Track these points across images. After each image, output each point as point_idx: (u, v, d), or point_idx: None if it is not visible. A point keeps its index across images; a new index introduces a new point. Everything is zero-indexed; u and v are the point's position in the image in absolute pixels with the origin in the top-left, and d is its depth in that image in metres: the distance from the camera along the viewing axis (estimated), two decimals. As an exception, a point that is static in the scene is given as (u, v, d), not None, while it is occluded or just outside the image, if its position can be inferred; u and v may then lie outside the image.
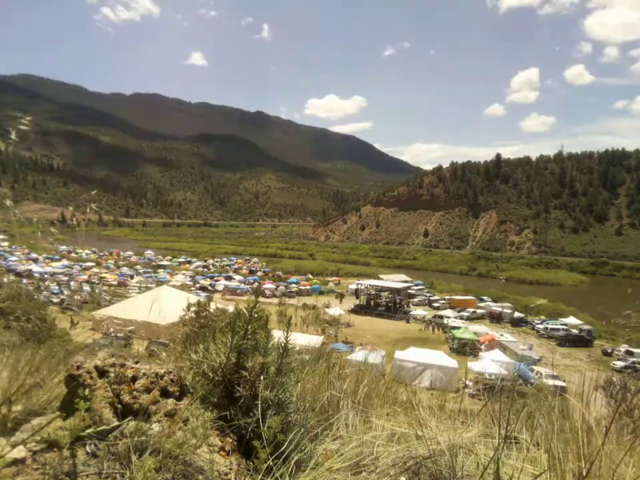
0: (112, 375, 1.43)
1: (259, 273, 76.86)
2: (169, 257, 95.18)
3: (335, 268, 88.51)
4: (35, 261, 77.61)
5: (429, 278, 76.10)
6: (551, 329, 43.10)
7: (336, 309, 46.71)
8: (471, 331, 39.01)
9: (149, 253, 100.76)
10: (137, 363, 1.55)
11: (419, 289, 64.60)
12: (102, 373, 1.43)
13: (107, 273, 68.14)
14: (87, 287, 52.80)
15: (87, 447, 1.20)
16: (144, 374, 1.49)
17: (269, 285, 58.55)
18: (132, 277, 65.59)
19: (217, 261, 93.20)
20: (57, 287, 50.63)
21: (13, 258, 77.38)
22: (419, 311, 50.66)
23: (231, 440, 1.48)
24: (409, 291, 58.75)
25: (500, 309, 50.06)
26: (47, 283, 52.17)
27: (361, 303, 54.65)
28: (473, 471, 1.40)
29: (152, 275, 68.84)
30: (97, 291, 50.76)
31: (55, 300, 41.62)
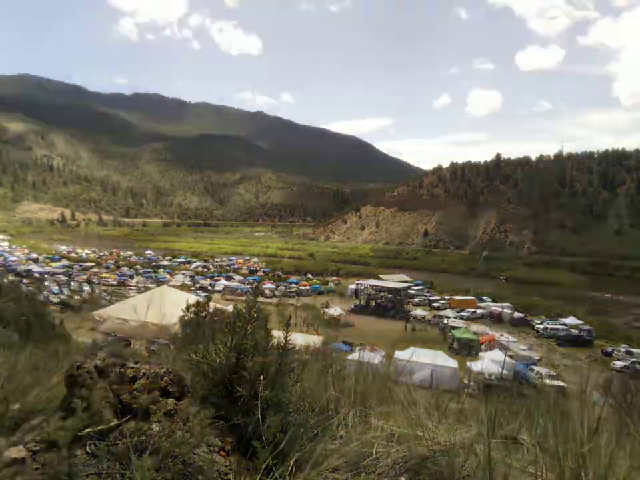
0: (112, 375, 1.43)
1: (259, 273, 76.86)
2: (168, 257, 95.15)
3: (334, 268, 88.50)
4: (35, 261, 77.56)
5: (428, 278, 76.09)
6: (551, 329, 43.10)
7: (336, 309, 46.71)
8: (471, 331, 39.01)
9: (149, 253, 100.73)
10: (136, 363, 1.55)
11: (419, 289, 64.59)
12: (102, 373, 1.43)
13: (106, 273, 68.13)
14: (86, 287, 52.79)
15: (87, 447, 1.21)
16: (144, 374, 1.49)
17: (268, 285, 58.55)
18: (132, 277, 65.58)
19: (216, 261, 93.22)
20: (56, 287, 50.64)
21: (13, 258, 77.40)
22: (418, 311, 50.69)
23: (230, 440, 1.48)
24: (409, 290, 58.75)
25: (500, 309, 50.06)
26: (46, 283, 52.16)
27: (361, 303, 54.64)
28: (473, 471, 1.40)
29: (152, 274, 68.84)
30: (96, 291, 50.76)
31: (55, 300, 41.62)
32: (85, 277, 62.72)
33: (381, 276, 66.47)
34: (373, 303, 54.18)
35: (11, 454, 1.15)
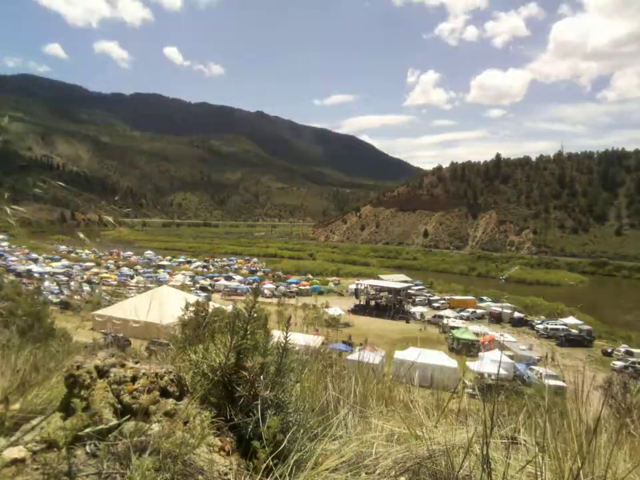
0: (112, 375, 1.43)
1: (259, 273, 76.86)
2: (168, 257, 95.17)
3: (334, 268, 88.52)
4: (35, 261, 77.55)
5: (428, 278, 76.11)
6: (551, 329, 43.12)
7: (336, 309, 46.73)
8: (471, 331, 39.01)
9: (149, 253, 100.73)
10: (136, 363, 1.55)
11: (419, 289, 64.62)
12: (102, 373, 1.43)
13: (106, 273, 68.14)
14: (86, 287, 52.78)
15: (87, 447, 1.21)
16: (144, 374, 1.49)
17: (268, 285, 58.56)
18: (132, 277, 65.59)
19: (216, 261, 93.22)
20: (56, 287, 50.62)
21: (13, 258, 77.40)
22: (418, 308, 50.72)
23: (230, 440, 1.49)
24: (409, 290, 58.76)
25: (500, 309, 50.07)
26: (46, 283, 52.14)
27: (361, 302, 54.66)
28: (473, 471, 1.40)
29: (152, 274, 68.84)
30: (96, 291, 50.75)
31: (55, 300, 41.60)
32: (84, 276, 62.71)
33: (380, 276, 66.50)
34: (372, 302, 54.19)
35: (11, 454, 1.15)
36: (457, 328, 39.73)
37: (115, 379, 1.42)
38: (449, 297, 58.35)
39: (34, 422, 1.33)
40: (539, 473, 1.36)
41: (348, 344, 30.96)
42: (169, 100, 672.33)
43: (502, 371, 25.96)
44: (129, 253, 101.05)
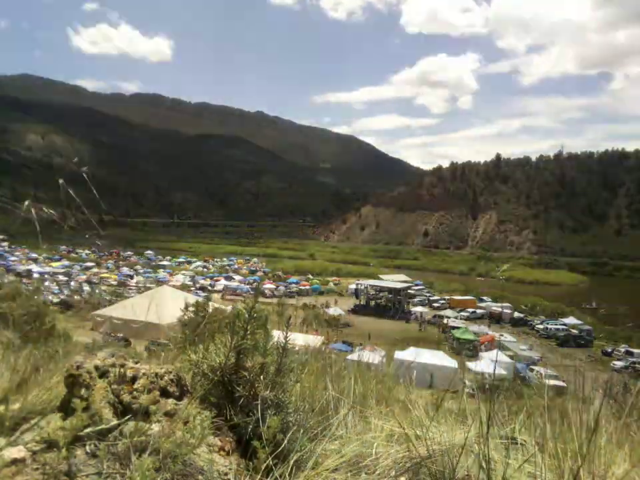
0: (112, 375, 1.43)
1: (259, 273, 76.86)
2: (168, 257, 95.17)
3: (334, 268, 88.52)
4: (35, 260, 77.55)
5: (428, 278, 76.12)
6: (551, 329, 43.12)
7: (335, 309, 46.72)
8: (471, 331, 39.02)
9: (149, 253, 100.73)
10: (136, 363, 1.55)
11: (419, 289, 64.63)
12: (102, 373, 1.43)
13: (106, 273, 68.12)
14: (86, 287, 52.77)
15: (87, 447, 1.21)
16: (144, 374, 1.49)
17: (268, 285, 58.55)
18: (132, 277, 65.58)
19: (216, 261, 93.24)
20: (56, 287, 50.61)
21: (13, 258, 77.39)
22: (418, 308, 50.71)
23: (230, 440, 1.49)
24: (409, 290, 58.78)
25: (500, 309, 50.07)
26: (46, 283, 52.12)
27: (361, 303, 54.67)
28: (473, 472, 1.40)
29: (152, 274, 68.84)
30: (96, 291, 50.74)
31: (55, 300, 41.58)
32: (84, 277, 62.69)
33: (380, 276, 66.51)
34: (372, 302, 54.21)
35: (11, 454, 1.15)
36: (457, 328, 39.74)
37: (115, 379, 1.42)
38: (448, 297, 58.35)
39: (34, 422, 1.33)
40: (538, 473, 1.36)
41: (348, 344, 30.95)
42: (169, 100, 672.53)
43: (502, 371, 25.96)
44: (129, 252, 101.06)
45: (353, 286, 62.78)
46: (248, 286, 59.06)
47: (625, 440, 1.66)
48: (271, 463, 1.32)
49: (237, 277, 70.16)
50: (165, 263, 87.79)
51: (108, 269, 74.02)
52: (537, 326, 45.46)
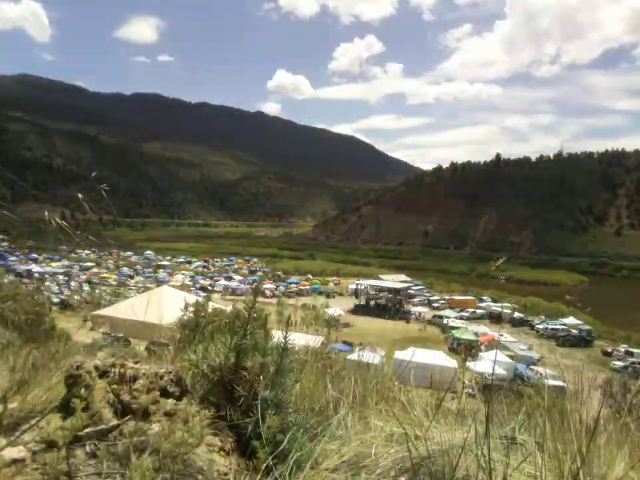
0: (112, 375, 1.43)
1: (259, 273, 76.86)
2: (168, 257, 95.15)
3: (334, 268, 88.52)
4: (35, 260, 77.54)
5: (428, 278, 76.11)
6: (551, 329, 43.10)
7: (335, 309, 46.71)
8: (471, 331, 39.01)
9: (149, 253, 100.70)
10: (136, 363, 1.55)
11: (419, 289, 64.62)
12: (102, 372, 1.44)
13: (106, 273, 68.11)
14: (86, 287, 52.75)
15: (87, 447, 1.21)
16: (144, 374, 1.49)
17: (268, 285, 58.54)
18: (132, 277, 65.58)
19: (216, 261, 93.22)
20: (56, 287, 50.60)
21: (13, 258, 77.40)
22: (418, 308, 50.70)
23: (230, 440, 1.49)
24: (409, 291, 58.77)
25: (500, 309, 50.06)
26: (46, 283, 52.11)
27: (361, 302, 54.66)
28: (473, 471, 1.40)
29: (152, 274, 68.83)
30: (96, 290, 50.72)
31: (55, 300, 41.56)
32: (84, 276, 62.67)
33: (380, 276, 66.50)
34: (372, 302, 54.21)
35: (11, 454, 1.15)
36: (457, 328, 39.72)
37: (115, 379, 1.42)
38: (448, 297, 58.34)
39: (34, 422, 1.33)
40: (538, 474, 1.36)
41: (348, 344, 30.94)
42: (169, 100, 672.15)
43: (501, 371, 25.96)
44: (129, 252, 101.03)
45: (353, 286, 62.78)
46: (248, 286, 59.07)
47: (625, 440, 1.66)
48: (270, 462, 1.33)
49: (237, 277, 70.17)
50: (164, 262, 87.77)
51: (108, 269, 74.02)
52: (536, 326, 45.44)
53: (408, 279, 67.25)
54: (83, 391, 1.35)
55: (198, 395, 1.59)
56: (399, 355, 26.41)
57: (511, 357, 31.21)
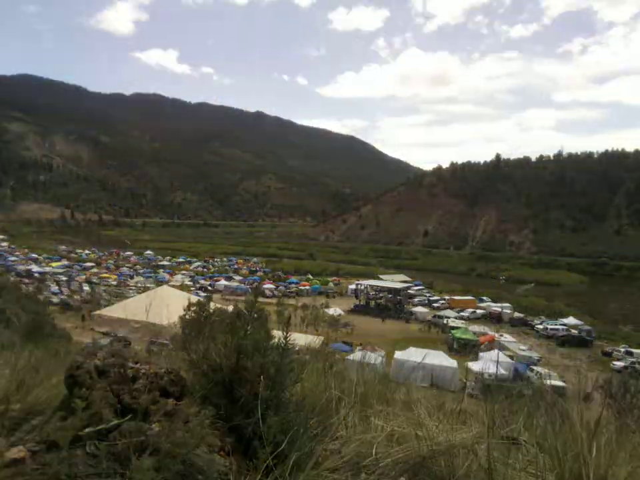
0: (112, 375, 1.43)
1: (259, 273, 76.88)
2: (168, 257, 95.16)
3: (334, 268, 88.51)
4: (35, 261, 77.57)
5: (428, 278, 76.12)
6: (551, 329, 43.09)
7: (335, 309, 46.73)
8: (471, 331, 39.01)
9: (149, 253, 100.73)
10: (136, 363, 1.55)
11: (419, 289, 64.63)
12: (102, 373, 1.43)
13: (106, 273, 68.13)
14: (86, 287, 52.78)
15: (87, 447, 1.21)
16: (144, 374, 1.49)
17: (268, 285, 58.56)
18: (132, 277, 65.60)
19: (216, 261, 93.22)
20: (56, 287, 50.63)
21: (13, 258, 77.45)
22: (418, 308, 50.69)
23: (230, 440, 1.49)
24: (409, 291, 58.77)
25: (500, 309, 50.07)
26: (46, 283, 52.15)
27: (361, 303, 54.67)
28: (473, 472, 1.40)
29: (152, 274, 68.85)
30: (96, 290, 50.75)
31: (55, 300, 41.59)
32: (84, 277, 62.70)
33: (380, 276, 66.50)
34: (372, 302, 54.21)
35: (11, 454, 1.15)
36: (457, 328, 39.73)
37: (115, 379, 1.42)
38: (448, 297, 58.34)
39: (34, 422, 1.33)
40: (539, 474, 1.36)
41: (348, 344, 30.96)
42: (169, 100, 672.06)
43: (502, 371, 25.96)
44: (129, 252, 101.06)
45: (353, 286, 62.79)
46: (248, 286, 59.08)
47: (626, 440, 1.66)
48: (271, 462, 1.32)
49: (237, 277, 70.19)
50: (164, 263, 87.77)
51: (108, 269, 74.04)
52: (536, 326, 45.42)
53: (408, 278, 67.26)
54: (83, 391, 1.35)
55: (198, 395, 1.58)
56: (399, 354, 26.50)
57: (510, 357, 31.22)
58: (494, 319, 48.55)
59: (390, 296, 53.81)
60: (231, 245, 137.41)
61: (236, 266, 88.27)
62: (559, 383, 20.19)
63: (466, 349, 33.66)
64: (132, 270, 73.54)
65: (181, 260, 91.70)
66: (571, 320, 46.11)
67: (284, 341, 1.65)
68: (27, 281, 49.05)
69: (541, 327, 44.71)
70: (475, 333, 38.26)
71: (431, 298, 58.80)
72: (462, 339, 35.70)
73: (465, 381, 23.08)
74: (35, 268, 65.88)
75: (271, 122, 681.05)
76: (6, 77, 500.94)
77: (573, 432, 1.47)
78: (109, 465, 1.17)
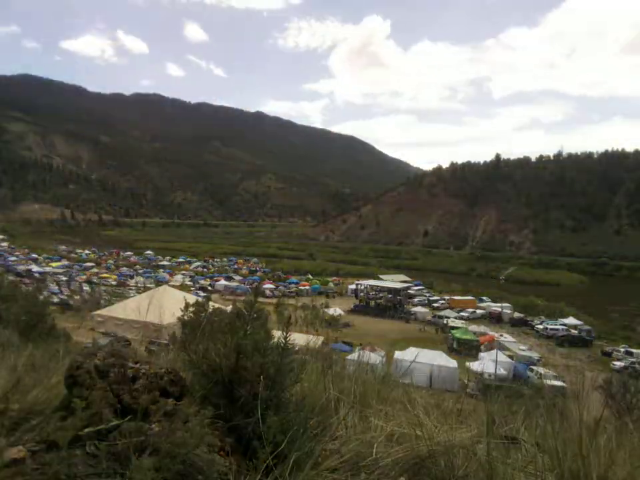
0: (112, 375, 1.43)
1: (259, 273, 76.86)
2: (168, 257, 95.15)
3: (334, 268, 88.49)
4: (35, 261, 77.55)
5: (428, 278, 76.10)
6: (551, 329, 43.08)
7: (335, 309, 46.72)
8: (471, 331, 39.01)
9: (149, 253, 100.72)
10: (136, 363, 1.55)
11: (419, 289, 64.62)
12: (102, 373, 1.43)
13: (106, 273, 68.11)
14: (86, 287, 52.76)
15: (87, 447, 1.21)
16: (144, 374, 1.49)
17: (268, 285, 58.55)
18: (132, 277, 65.58)
19: (216, 261, 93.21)
20: (56, 287, 50.60)
21: (13, 258, 77.42)
22: (418, 308, 50.68)
23: (230, 440, 1.49)
24: (409, 291, 58.76)
25: (500, 309, 50.07)
26: (46, 283, 52.12)
27: (361, 303, 54.66)
28: (473, 472, 1.40)
29: (152, 274, 68.83)
30: (96, 290, 50.74)
31: (55, 300, 41.54)
32: (84, 277, 62.68)
33: (380, 276, 66.49)
34: (372, 302, 54.20)
35: (11, 454, 1.15)
36: (457, 328, 39.72)
37: (115, 379, 1.42)
38: (448, 297, 58.34)
39: (33, 422, 1.33)
40: (538, 473, 1.36)
41: (348, 344, 30.96)
42: (169, 100, 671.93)
43: (501, 371, 25.97)
44: (129, 252, 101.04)
45: (353, 286, 62.78)
46: (248, 286, 59.07)
47: (625, 440, 1.66)
48: (271, 462, 1.32)
49: (237, 277, 70.17)
50: (164, 263, 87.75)
51: (108, 269, 74.03)
52: (536, 326, 45.42)
53: (408, 278, 67.26)
54: (83, 391, 1.35)
55: (198, 395, 1.58)
56: (399, 354, 26.50)
57: (510, 357, 31.21)
58: (494, 319, 48.55)
59: (390, 296, 53.79)
60: (230, 245, 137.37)
61: (236, 266, 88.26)
62: (559, 383, 20.19)
63: (466, 349, 33.69)
64: (132, 270, 73.52)
65: (180, 260, 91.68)
66: (571, 320, 46.10)
67: (283, 341, 1.65)
68: (27, 281, 49.01)
69: (540, 326, 44.71)
70: (474, 333, 38.26)
71: (430, 298, 58.79)
72: (462, 339, 35.70)
73: (465, 381, 23.09)
74: (34, 268, 65.85)
75: (271, 122, 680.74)
76: (6, 77, 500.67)
77: (573, 432, 1.47)
78: (109, 465, 1.17)
